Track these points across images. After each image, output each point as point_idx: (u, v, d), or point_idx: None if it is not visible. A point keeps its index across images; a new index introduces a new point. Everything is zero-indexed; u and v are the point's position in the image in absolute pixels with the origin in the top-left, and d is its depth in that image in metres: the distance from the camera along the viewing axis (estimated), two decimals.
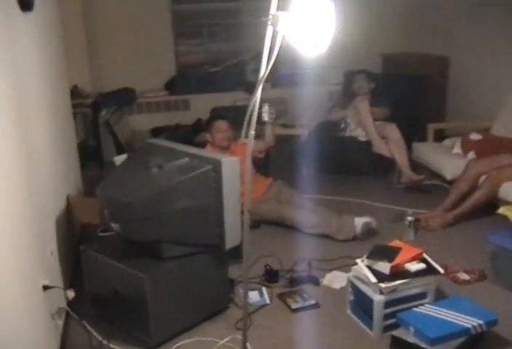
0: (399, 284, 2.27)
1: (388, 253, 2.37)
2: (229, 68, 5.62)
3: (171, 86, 5.48)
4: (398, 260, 2.32)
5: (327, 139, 4.33)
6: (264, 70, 1.65)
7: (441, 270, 2.33)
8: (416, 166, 4.08)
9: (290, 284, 2.75)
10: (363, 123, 4.16)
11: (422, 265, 2.32)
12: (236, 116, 4.59)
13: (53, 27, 3.23)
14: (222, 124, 3.53)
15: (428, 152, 4.00)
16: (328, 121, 4.46)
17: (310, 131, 4.47)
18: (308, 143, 4.38)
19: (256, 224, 3.41)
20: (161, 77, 5.47)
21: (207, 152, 2.86)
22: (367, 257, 2.37)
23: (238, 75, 5.63)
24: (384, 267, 2.30)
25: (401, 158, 3.97)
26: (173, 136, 4.60)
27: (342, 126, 4.29)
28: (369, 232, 3.22)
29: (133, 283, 2.19)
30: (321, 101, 5.20)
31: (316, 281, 2.79)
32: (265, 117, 3.46)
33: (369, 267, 2.36)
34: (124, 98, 5.09)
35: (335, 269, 2.88)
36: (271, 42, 1.62)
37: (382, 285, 2.24)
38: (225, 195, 2.23)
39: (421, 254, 2.40)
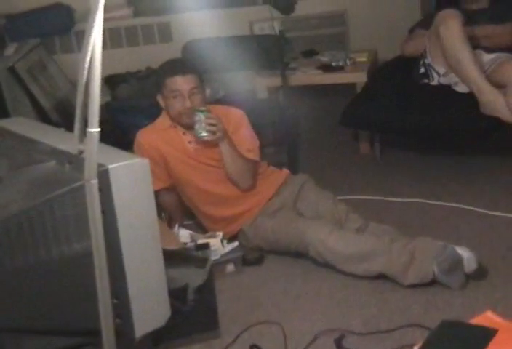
0: None
1: (467, 340, 1.96)
2: None
3: (137, 1, 5.27)
4: None
5: (402, 91, 4.05)
6: None
7: None
8: None
9: None
10: (454, 64, 3.80)
11: None
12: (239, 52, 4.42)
13: None
14: (180, 82, 3.13)
15: None
16: (404, 57, 4.30)
17: (372, 77, 4.36)
18: (370, 98, 4.12)
19: (256, 257, 3.22)
20: None
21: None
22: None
23: None
24: None
25: None
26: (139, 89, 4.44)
27: (422, 71, 4.00)
28: (458, 271, 2.82)
29: None
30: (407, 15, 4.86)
31: None
32: (200, 132, 3.08)
33: None
34: (52, 23, 4.90)
35: None
36: None
37: None
38: (122, 233, 1.88)
39: None
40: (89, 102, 1.48)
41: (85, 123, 1.65)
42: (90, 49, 1.42)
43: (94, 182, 1.58)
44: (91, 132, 1.47)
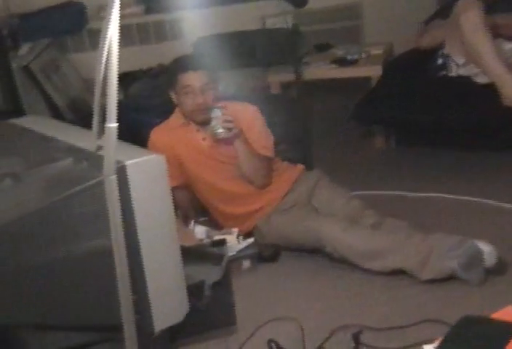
0: None
1: (489, 336, 1.94)
2: None
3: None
4: None
5: (417, 84, 4.06)
6: None
7: None
8: None
9: None
10: (474, 55, 3.80)
11: None
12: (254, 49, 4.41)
13: None
14: (191, 78, 3.14)
15: None
16: (418, 50, 4.30)
17: (386, 70, 4.33)
18: (380, 95, 4.13)
19: (271, 254, 3.23)
20: None
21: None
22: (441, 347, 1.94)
23: None
24: None
25: None
26: (151, 87, 4.47)
27: (439, 62, 3.97)
28: (478, 266, 2.81)
29: None
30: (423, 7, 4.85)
31: None
32: (217, 128, 3.07)
33: None
34: (64, 21, 4.91)
35: (407, 348, 2.49)
36: None
37: None
38: (140, 229, 1.89)
39: None
40: (106, 98, 1.49)
41: (102, 120, 1.66)
42: (107, 44, 1.42)
43: (113, 177, 1.57)
44: (109, 127, 1.46)
